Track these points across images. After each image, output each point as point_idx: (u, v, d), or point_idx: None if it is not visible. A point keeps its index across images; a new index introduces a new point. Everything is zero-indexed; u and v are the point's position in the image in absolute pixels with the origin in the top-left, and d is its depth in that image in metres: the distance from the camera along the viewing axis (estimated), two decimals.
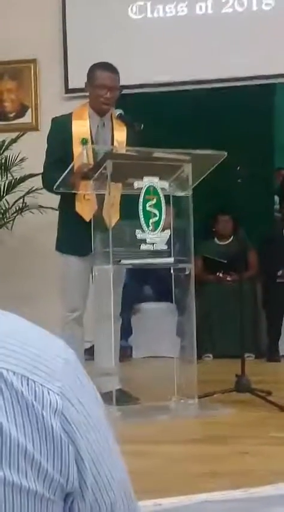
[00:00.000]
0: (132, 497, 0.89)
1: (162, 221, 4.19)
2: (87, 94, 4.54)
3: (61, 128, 4.44)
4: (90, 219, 4.24)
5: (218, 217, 6.91)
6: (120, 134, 4.46)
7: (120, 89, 4.44)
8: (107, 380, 4.12)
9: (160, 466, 3.23)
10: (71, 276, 4.41)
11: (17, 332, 0.81)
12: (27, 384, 0.77)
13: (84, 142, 4.29)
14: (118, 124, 4.47)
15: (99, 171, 4.11)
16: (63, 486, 0.79)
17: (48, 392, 0.78)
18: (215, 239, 6.99)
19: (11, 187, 6.37)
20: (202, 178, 4.35)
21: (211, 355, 6.37)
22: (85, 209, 4.31)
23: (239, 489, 2.79)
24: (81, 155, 4.21)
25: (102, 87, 4.36)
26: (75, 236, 4.37)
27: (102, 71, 4.42)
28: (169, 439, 3.70)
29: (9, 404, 0.76)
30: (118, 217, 4.32)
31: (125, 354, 5.87)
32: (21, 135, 6.34)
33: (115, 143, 4.43)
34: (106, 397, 4.02)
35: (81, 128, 4.39)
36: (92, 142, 4.36)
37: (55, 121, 4.56)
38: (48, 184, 4.42)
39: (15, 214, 6.39)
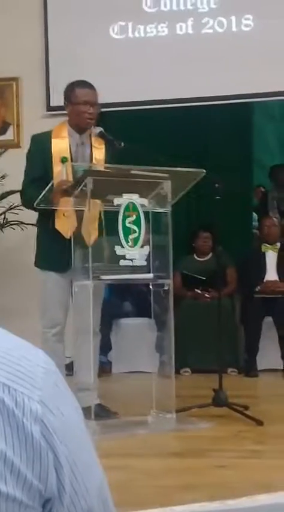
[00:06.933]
0: (110, 505, 0.90)
1: (141, 237, 4.23)
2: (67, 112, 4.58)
3: (40, 146, 4.47)
4: (70, 236, 4.27)
5: (198, 234, 6.94)
6: (99, 152, 4.50)
7: (99, 104, 4.51)
8: (86, 395, 4.14)
9: (138, 479, 3.26)
10: (51, 292, 4.42)
11: None
12: (9, 392, 0.80)
13: (64, 161, 4.34)
14: (97, 142, 4.50)
15: (79, 188, 4.16)
16: (42, 492, 0.81)
17: (29, 400, 0.80)
18: (195, 255, 7.02)
19: None
20: (181, 195, 4.40)
21: (189, 370, 6.40)
22: (65, 226, 4.33)
23: (216, 501, 2.83)
24: (61, 172, 4.25)
25: (85, 104, 4.41)
26: (54, 252, 4.39)
27: (81, 88, 4.47)
28: (147, 452, 3.73)
29: None
30: (97, 234, 4.35)
31: (104, 369, 5.89)
32: (3, 152, 6.38)
33: (94, 161, 4.46)
34: (85, 412, 4.04)
35: (60, 146, 4.42)
36: (72, 160, 4.39)
37: (34, 139, 4.58)
38: (27, 202, 4.44)
39: None
